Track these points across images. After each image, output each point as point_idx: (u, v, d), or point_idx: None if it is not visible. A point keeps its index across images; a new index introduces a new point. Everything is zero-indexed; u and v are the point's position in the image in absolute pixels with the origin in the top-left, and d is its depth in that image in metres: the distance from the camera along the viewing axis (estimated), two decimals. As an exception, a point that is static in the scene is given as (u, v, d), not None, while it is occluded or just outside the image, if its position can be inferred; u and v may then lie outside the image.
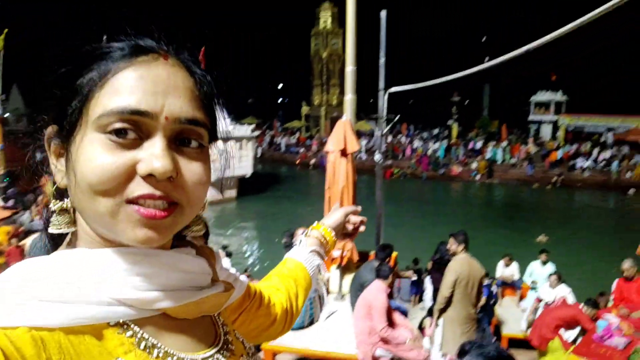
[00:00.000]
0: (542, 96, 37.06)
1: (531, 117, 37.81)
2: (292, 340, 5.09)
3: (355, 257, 6.49)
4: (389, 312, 4.92)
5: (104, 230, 0.56)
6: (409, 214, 19.12)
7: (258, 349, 4.69)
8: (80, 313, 0.52)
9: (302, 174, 32.67)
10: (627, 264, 6.31)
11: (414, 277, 7.95)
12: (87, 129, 0.54)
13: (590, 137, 32.81)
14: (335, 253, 6.02)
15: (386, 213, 8.43)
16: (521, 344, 6.40)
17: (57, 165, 0.59)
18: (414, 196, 24.72)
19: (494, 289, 6.72)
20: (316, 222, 1.16)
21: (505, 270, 8.42)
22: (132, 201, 0.53)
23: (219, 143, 0.67)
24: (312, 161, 33.95)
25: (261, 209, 20.71)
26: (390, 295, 5.19)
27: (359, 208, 1.23)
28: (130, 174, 0.53)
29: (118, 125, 0.52)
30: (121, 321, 0.56)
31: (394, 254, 7.23)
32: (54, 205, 0.60)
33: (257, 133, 26.48)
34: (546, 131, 36.24)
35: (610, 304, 6.61)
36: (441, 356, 5.03)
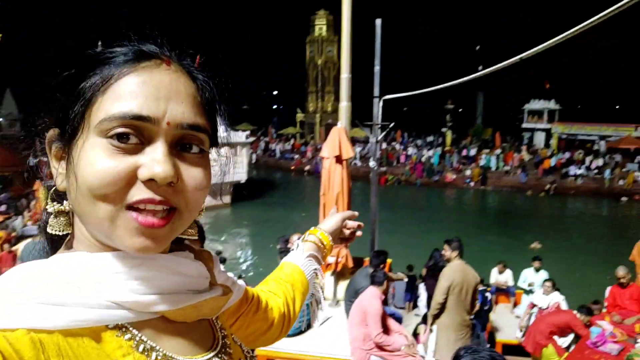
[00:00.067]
0: (535, 104, 37.39)
1: (524, 125, 38.09)
2: (286, 345, 5.07)
3: (350, 264, 6.49)
4: (384, 318, 4.92)
5: (101, 235, 0.56)
6: (404, 220, 19.14)
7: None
8: (79, 315, 0.52)
9: (296, 180, 32.66)
10: (622, 271, 6.34)
11: (406, 279, 7.95)
12: (89, 133, 0.54)
13: (583, 145, 33.10)
14: (330, 259, 6.01)
15: (381, 219, 8.45)
16: (515, 350, 6.41)
17: (57, 168, 0.59)
18: (409, 203, 24.77)
19: (488, 295, 6.73)
20: (313, 226, 1.16)
21: (499, 277, 8.44)
22: (131, 206, 0.53)
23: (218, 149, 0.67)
24: (307, 167, 33.98)
25: (255, 215, 20.66)
26: (384, 302, 5.18)
27: (356, 213, 1.23)
28: (131, 178, 0.53)
29: (120, 130, 0.52)
30: (120, 324, 0.56)
31: (389, 260, 7.24)
32: (52, 207, 0.60)
33: (251, 139, 26.51)
34: (539, 139, 36.52)
35: (603, 311, 6.63)
36: (435, 363, 5.03)
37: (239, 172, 21.49)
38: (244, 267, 13.71)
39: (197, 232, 0.70)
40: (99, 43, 0.59)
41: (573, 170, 27.89)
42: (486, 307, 6.54)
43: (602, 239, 17.34)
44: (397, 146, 35.77)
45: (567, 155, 30.39)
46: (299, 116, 45.18)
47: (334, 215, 1.20)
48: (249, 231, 18.49)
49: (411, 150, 33.99)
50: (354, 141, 29.10)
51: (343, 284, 6.23)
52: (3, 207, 13.91)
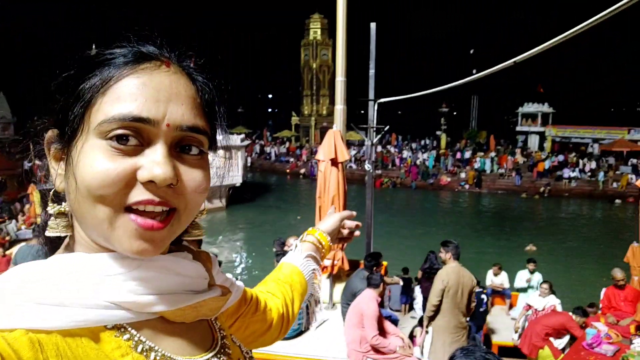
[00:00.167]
0: (529, 108, 37.61)
1: (519, 128, 38.30)
2: (283, 348, 5.06)
3: (346, 266, 6.49)
4: (380, 320, 4.92)
5: (100, 238, 0.56)
6: (399, 223, 19.18)
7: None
8: (78, 316, 0.52)
9: (292, 183, 32.67)
10: (619, 273, 6.36)
11: (402, 283, 7.94)
12: (88, 134, 0.54)
13: (577, 147, 33.33)
14: (326, 262, 6.01)
15: (376, 222, 8.46)
16: (511, 352, 6.42)
17: (56, 169, 0.59)
18: (404, 206, 24.84)
19: (484, 297, 6.75)
20: (311, 227, 1.16)
21: (495, 279, 8.47)
22: (130, 208, 0.53)
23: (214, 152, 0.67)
24: (302, 171, 34.00)
25: (251, 218, 20.64)
26: (380, 304, 5.18)
27: (354, 213, 1.23)
28: (130, 180, 0.53)
29: (119, 131, 0.52)
30: (118, 324, 0.56)
31: (384, 263, 7.24)
32: (52, 208, 0.60)
33: (247, 142, 26.48)
34: (533, 142, 36.71)
35: (598, 313, 6.66)
36: (430, 365, 5.03)
37: (235, 176, 21.46)
38: (239, 270, 13.67)
39: (202, 232, 0.70)
40: (93, 46, 0.58)
41: (567, 172, 28.06)
42: (482, 309, 6.56)
43: (597, 241, 17.44)
44: (392, 149, 35.85)
45: (560, 158, 30.57)
46: (294, 119, 45.22)
47: (332, 215, 1.19)
48: (244, 234, 18.45)
49: (406, 153, 34.09)
50: (349, 144, 29.19)
51: (339, 287, 6.23)
52: (-3, 211, 13.82)
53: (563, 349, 5.58)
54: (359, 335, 4.75)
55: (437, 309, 4.90)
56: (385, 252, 6.40)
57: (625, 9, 3.29)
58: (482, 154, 32.75)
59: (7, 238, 9.97)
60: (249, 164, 33.58)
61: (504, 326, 7.43)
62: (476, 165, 30.62)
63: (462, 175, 29.86)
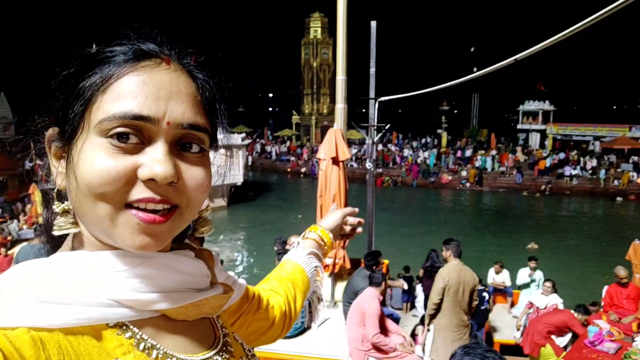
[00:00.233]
0: (530, 105, 37.55)
1: (520, 126, 38.25)
2: (284, 347, 5.06)
3: (347, 265, 6.49)
4: (382, 319, 4.92)
5: (102, 234, 0.56)
6: (400, 221, 19.19)
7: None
8: (80, 314, 0.52)
9: (292, 182, 32.68)
10: (622, 271, 6.35)
11: (405, 286, 7.93)
12: (88, 132, 0.53)
13: (578, 145, 33.28)
14: (328, 261, 6.01)
15: (377, 221, 8.45)
16: (513, 350, 6.42)
17: (57, 167, 0.59)
18: (405, 204, 24.83)
19: (485, 295, 6.74)
20: (314, 223, 1.16)
21: (496, 277, 8.47)
22: (131, 205, 0.53)
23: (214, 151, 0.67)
24: (303, 170, 34.00)
25: (252, 217, 20.67)
26: (382, 303, 5.18)
27: (356, 209, 1.22)
28: (131, 178, 0.53)
29: (120, 129, 0.52)
30: (120, 322, 0.56)
31: (386, 261, 7.24)
32: (57, 207, 0.60)
33: (247, 142, 26.50)
34: (534, 140, 36.66)
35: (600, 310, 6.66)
36: (431, 363, 5.03)
37: (236, 175, 21.49)
38: (240, 268, 13.69)
39: (211, 227, 0.70)
40: (93, 46, 0.58)
41: (568, 170, 28.02)
42: (483, 307, 6.56)
43: (598, 239, 17.43)
44: (393, 148, 35.84)
45: (562, 155, 30.54)
46: (295, 118, 45.22)
47: (334, 211, 1.19)
48: (245, 233, 18.47)
49: (407, 152, 34.08)
50: (349, 143, 29.16)
51: (341, 285, 6.23)
52: (-2, 211, 13.84)
53: (565, 347, 5.58)
54: (360, 333, 4.76)
55: (438, 307, 4.91)
56: (386, 250, 6.40)
57: (627, 6, 3.28)
58: (483, 152, 32.74)
59: (9, 238, 9.99)
60: (249, 163, 33.57)
61: (506, 324, 7.43)
62: (477, 164, 30.61)
63: (463, 173, 29.85)
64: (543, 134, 36.06)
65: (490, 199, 26.47)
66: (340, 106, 6.95)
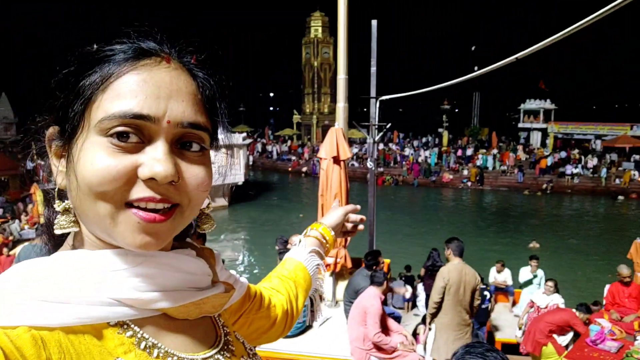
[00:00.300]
0: (531, 104, 37.49)
1: (521, 125, 38.19)
2: (285, 346, 5.07)
3: (349, 264, 6.49)
4: (384, 318, 4.92)
5: (102, 233, 0.56)
6: (402, 221, 19.18)
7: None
8: (80, 313, 0.52)
9: (294, 181, 32.69)
10: (625, 269, 6.33)
11: (409, 293, 7.85)
12: (89, 132, 0.53)
13: (579, 144, 33.22)
14: (329, 260, 6.01)
15: (379, 220, 8.45)
16: (514, 349, 6.42)
17: (57, 166, 0.59)
18: (406, 203, 24.82)
19: (487, 294, 6.74)
20: (315, 221, 1.15)
21: (498, 276, 8.47)
22: (132, 204, 0.53)
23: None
24: (304, 169, 33.99)
25: (253, 217, 20.67)
26: (384, 302, 5.19)
27: (358, 207, 1.22)
28: (131, 177, 0.53)
29: (120, 128, 0.52)
30: (121, 321, 0.56)
31: (387, 261, 7.24)
32: (58, 206, 0.60)
33: (248, 141, 26.51)
34: (536, 138, 36.59)
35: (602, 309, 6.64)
36: (433, 362, 5.03)
37: (237, 174, 21.50)
38: (241, 268, 13.69)
39: (213, 224, 0.70)
40: (95, 45, 0.58)
41: (569, 169, 27.98)
42: (484, 306, 6.56)
43: (599, 237, 17.41)
44: (394, 147, 35.82)
45: (563, 154, 30.49)
46: (296, 118, 45.20)
47: (336, 209, 1.18)
48: (246, 232, 18.48)
49: (408, 151, 34.04)
50: (350, 142, 29.16)
51: (342, 285, 6.24)
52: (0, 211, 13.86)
53: (566, 346, 5.57)
54: (362, 332, 4.76)
55: (439, 306, 4.91)
56: (388, 250, 6.41)
57: (629, 4, 3.27)
58: (484, 151, 32.69)
59: (11, 238, 10.01)
60: (250, 163, 33.60)
61: (507, 323, 7.43)
62: (478, 163, 30.57)
63: (465, 172, 29.82)
64: (544, 133, 35.99)
65: (492, 198, 26.45)
66: (342, 105, 6.95)
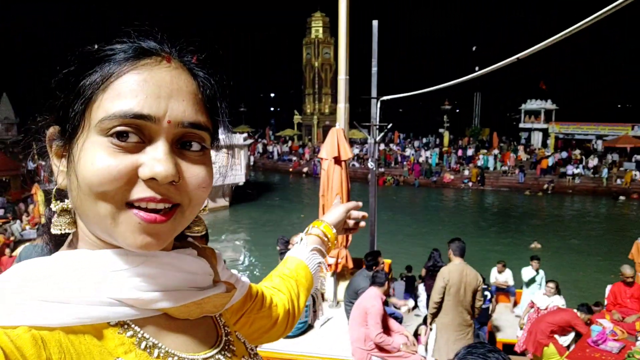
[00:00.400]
0: (532, 104, 37.47)
1: (522, 125, 38.17)
2: (287, 346, 5.07)
3: (350, 265, 6.48)
4: (385, 318, 4.92)
5: (103, 233, 0.56)
6: (403, 221, 19.16)
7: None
8: (81, 313, 0.52)
9: (294, 182, 32.69)
10: (629, 270, 6.31)
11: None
12: (89, 131, 0.53)
13: (580, 144, 33.19)
14: (330, 260, 6.01)
15: (380, 220, 8.44)
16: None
17: (58, 166, 0.59)
18: (407, 204, 24.81)
19: (488, 294, 6.73)
20: (317, 219, 1.15)
21: (499, 276, 8.46)
22: (132, 204, 0.53)
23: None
24: (305, 169, 33.99)
25: (254, 217, 20.67)
26: (385, 303, 5.18)
27: (360, 203, 1.21)
28: (132, 177, 0.52)
29: (120, 128, 0.52)
30: (122, 321, 0.56)
31: (388, 261, 7.24)
32: (55, 206, 0.60)
33: (249, 142, 26.52)
34: (536, 139, 36.58)
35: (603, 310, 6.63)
36: (434, 362, 5.02)
37: (238, 175, 21.52)
38: (242, 268, 13.69)
39: (204, 228, 0.70)
40: (96, 45, 0.58)
41: (570, 169, 27.95)
42: (485, 306, 6.55)
43: (601, 238, 17.38)
44: (395, 147, 35.82)
45: (564, 154, 30.47)
46: (297, 118, 45.21)
47: (337, 206, 1.17)
48: (247, 232, 18.48)
49: (409, 151, 34.04)
50: (351, 143, 29.18)
51: (343, 285, 6.23)
52: (0, 212, 13.88)
53: (568, 346, 5.56)
54: (363, 333, 4.75)
55: (440, 307, 4.90)
56: (389, 250, 6.41)
57: (630, 4, 3.27)
58: (485, 151, 32.68)
59: (12, 238, 10.01)
60: (251, 163, 33.60)
61: (508, 324, 7.42)
62: (479, 163, 30.56)
63: (466, 172, 29.80)
64: (545, 133, 35.98)
65: (493, 198, 26.43)
66: (342, 106, 6.95)
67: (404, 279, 8.43)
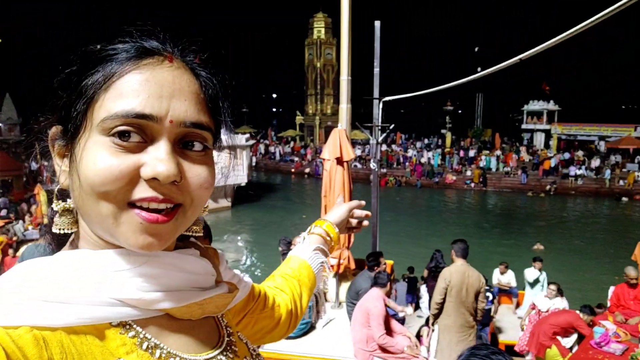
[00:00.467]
0: (534, 105, 37.42)
1: (524, 126, 38.12)
2: (289, 347, 5.07)
3: (352, 265, 6.48)
4: (387, 319, 4.91)
5: (105, 233, 0.55)
6: (405, 222, 19.14)
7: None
8: (82, 313, 0.52)
9: (296, 182, 32.72)
10: (633, 271, 6.28)
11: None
12: (91, 131, 0.53)
13: (583, 145, 33.13)
14: (332, 261, 6.01)
15: (382, 221, 8.44)
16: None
17: (60, 166, 0.59)
18: (409, 204, 24.79)
19: (489, 295, 6.72)
20: (319, 218, 1.14)
21: (501, 277, 8.44)
22: (134, 204, 0.53)
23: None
24: (307, 170, 34.01)
25: (256, 218, 20.69)
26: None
27: (363, 202, 1.20)
28: (133, 177, 0.52)
29: (122, 128, 0.52)
30: (124, 321, 0.56)
31: (390, 262, 7.23)
32: (57, 205, 0.60)
33: (251, 142, 26.55)
34: (539, 140, 36.54)
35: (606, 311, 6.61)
36: (437, 364, 5.01)
37: (240, 175, 21.54)
38: (243, 269, 13.70)
39: (202, 228, 0.69)
40: (98, 45, 0.57)
41: (573, 170, 27.90)
42: (487, 307, 6.54)
43: (603, 239, 17.33)
44: (397, 148, 35.80)
45: (567, 155, 30.42)
46: (299, 119, 45.24)
47: (340, 205, 1.17)
48: (249, 233, 18.49)
49: (411, 152, 34.03)
50: (353, 144, 29.17)
51: (345, 286, 6.23)
52: (3, 212, 13.91)
53: (571, 348, 5.55)
54: (365, 334, 4.75)
55: (441, 307, 4.90)
56: (391, 251, 6.40)
57: (632, 5, 3.26)
58: (487, 152, 32.66)
59: (14, 239, 10.03)
60: (253, 164, 33.63)
61: (511, 325, 7.40)
62: (481, 164, 30.53)
63: (468, 173, 29.77)
64: (548, 134, 35.93)
65: (495, 199, 26.39)
66: (345, 106, 6.95)
67: (406, 280, 8.42)
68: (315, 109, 43.20)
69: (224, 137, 0.66)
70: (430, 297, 6.58)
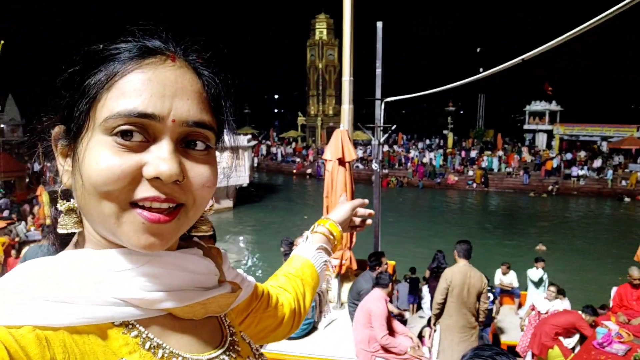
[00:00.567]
0: (536, 106, 37.37)
1: (526, 127, 38.07)
2: (291, 348, 5.06)
3: (354, 266, 6.47)
4: (389, 320, 4.90)
5: (107, 233, 0.55)
6: (407, 223, 19.14)
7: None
8: (85, 313, 0.52)
9: (298, 183, 32.72)
10: (636, 272, 6.26)
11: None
12: (94, 130, 0.53)
13: (585, 146, 33.08)
14: (334, 262, 6.00)
15: (383, 222, 8.43)
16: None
17: (63, 165, 0.59)
18: (411, 205, 24.78)
19: (490, 295, 6.71)
20: (323, 216, 1.14)
21: (503, 278, 8.43)
22: (136, 203, 0.53)
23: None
24: (309, 171, 34.03)
25: (258, 218, 20.70)
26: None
27: (366, 201, 1.20)
28: (136, 176, 0.52)
29: (124, 127, 0.52)
30: (126, 321, 0.56)
31: (392, 262, 7.22)
32: (61, 205, 0.60)
33: (253, 143, 26.58)
34: (541, 140, 36.49)
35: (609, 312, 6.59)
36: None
37: (241, 176, 21.55)
38: (245, 269, 13.69)
39: (211, 227, 0.69)
40: (100, 45, 0.58)
41: (575, 171, 27.85)
42: (489, 307, 6.53)
43: (606, 239, 17.29)
44: (399, 149, 35.79)
45: (569, 156, 30.37)
46: (300, 120, 45.26)
47: (343, 203, 1.17)
48: (251, 234, 18.51)
49: (413, 153, 34.01)
50: (355, 144, 29.16)
51: (347, 286, 6.23)
52: (6, 213, 13.94)
53: (573, 348, 5.53)
54: (367, 334, 4.74)
55: (442, 308, 4.89)
56: (393, 251, 6.39)
57: (634, 5, 3.25)
58: (489, 152, 32.63)
59: (17, 239, 10.05)
60: (255, 165, 33.66)
61: (513, 325, 7.39)
62: (483, 164, 30.50)
63: (470, 174, 29.75)
64: (550, 135, 35.88)
65: (497, 199, 26.37)
66: (347, 107, 6.95)
67: (408, 280, 8.41)
68: (317, 109, 43.22)
69: (226, 137, 0.66)
70: (432, 298, 6.58)
